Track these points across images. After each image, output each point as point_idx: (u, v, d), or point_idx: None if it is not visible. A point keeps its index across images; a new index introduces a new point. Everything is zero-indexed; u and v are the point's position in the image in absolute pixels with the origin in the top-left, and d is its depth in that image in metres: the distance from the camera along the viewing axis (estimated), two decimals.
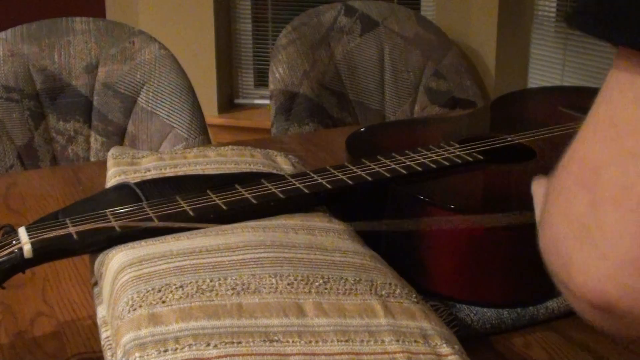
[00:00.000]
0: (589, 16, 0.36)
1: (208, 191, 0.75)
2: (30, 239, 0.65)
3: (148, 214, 0.70)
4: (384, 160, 0.83)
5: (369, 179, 0.79)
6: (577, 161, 0.38)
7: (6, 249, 0.65)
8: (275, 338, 0.56)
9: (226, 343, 0.55)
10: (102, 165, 0.97)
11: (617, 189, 0.35)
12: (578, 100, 1.05)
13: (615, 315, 0.36)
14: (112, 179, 0.83)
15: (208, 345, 0.54)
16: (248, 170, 0.85)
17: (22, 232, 0.67)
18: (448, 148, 0.87)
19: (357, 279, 0.64)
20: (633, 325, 0.36)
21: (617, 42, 0.35)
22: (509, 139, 0.91)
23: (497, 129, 0.96)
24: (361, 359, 0.56)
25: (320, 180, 0.78)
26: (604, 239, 0.36)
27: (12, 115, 1.48)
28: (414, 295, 0.65)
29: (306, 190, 0.76)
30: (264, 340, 0.55)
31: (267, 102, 1.96)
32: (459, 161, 0.84)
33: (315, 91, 1.80)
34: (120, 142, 1.54)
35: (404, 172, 0.80)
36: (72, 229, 0.68)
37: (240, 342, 0.55)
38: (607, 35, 0.35)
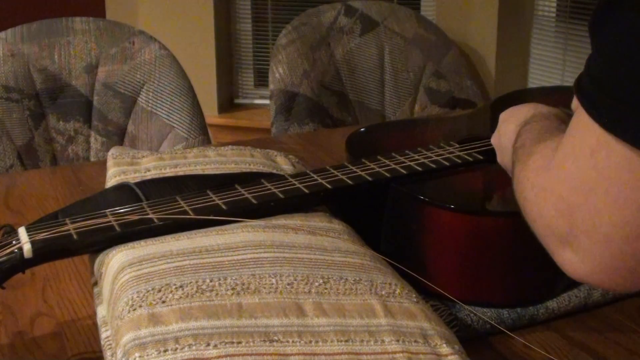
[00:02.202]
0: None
1: (208, 191, 0.75)
2: (30, 239, 0.65)
3: (148, 214, 0.70)
4: (384, 160, 0.83)
5: (369, 179, 0.79)
6: (556, 194, 0.50)
7: (6, 249, 0.65)
8: (275, 338, 0.56)
9: (226, 343, 0.55)
10: (102, 165, 0.97)
11: (589, 227, 0.48)
12: None
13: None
14: (112, 179, 0.83)
15: (208, 345, 0.54)
16: (248, 170, 0.85)
17: (22, 232, 0.67)
18: (448, 148, 0.87)
19: (357, 279, 0.64)
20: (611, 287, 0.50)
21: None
22: None
23: None
24: (361, 359, 0.56)
25: (320, 180, 0.78)
26: (581, 252, 0.49)
27: (12, 115, 1.48)
28: (414, 295, 0.65)
29: (306, 190, 0.76)
30: (264, 340, 0.55)
31: (267, 102, 1.96)
32: (459, 161, 0.84)
33: (315, 91, 1.79)
34: (120, 142, 1.54)
35: (404, 172, 0.80)
36: (72, 229, 0.68)
37: (240, 342, 0.55)
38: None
